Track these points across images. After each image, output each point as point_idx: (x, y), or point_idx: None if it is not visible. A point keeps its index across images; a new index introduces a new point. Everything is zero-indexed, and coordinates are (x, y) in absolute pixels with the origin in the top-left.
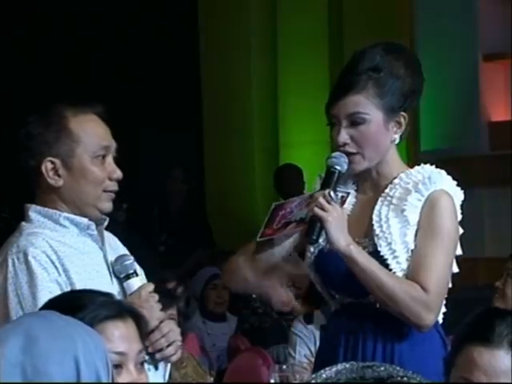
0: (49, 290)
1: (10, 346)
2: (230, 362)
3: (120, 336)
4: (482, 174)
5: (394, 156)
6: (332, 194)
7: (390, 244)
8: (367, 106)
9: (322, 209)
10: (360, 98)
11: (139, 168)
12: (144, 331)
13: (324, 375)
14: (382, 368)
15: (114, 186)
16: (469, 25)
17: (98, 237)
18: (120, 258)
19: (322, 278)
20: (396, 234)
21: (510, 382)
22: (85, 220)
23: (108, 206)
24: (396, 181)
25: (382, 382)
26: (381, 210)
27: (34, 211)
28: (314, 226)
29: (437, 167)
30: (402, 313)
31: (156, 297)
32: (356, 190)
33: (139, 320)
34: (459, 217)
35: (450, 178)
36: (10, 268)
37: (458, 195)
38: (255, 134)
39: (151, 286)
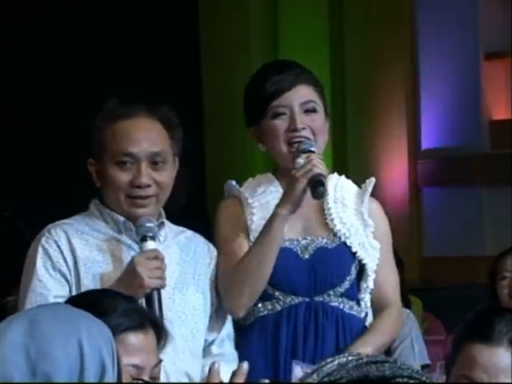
0: (39, 278)
1: (14, 329)
2: None
3: (139, 349)
4: (482, 172)
5: None
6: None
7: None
8: (316, 97)
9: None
10: (310, 88)
11: None
12: (163, 341)
13: (325, 368)
14: (387, 365)
15: (139, 192)
16: (470, 23)
17: (136, 236)
18: (142, 220)
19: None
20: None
21: (510, 379)
22: (121, 218)
23: (135, 211)
24: None
25: (386, 382)
26: (330, 206)
27: (93, 203)
28: (321, 181)
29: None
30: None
31: (153, 263)
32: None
33: (160, 330)
34: None
35: None
36: (30, 252)
37: None
38: None
39: (153, 253)
